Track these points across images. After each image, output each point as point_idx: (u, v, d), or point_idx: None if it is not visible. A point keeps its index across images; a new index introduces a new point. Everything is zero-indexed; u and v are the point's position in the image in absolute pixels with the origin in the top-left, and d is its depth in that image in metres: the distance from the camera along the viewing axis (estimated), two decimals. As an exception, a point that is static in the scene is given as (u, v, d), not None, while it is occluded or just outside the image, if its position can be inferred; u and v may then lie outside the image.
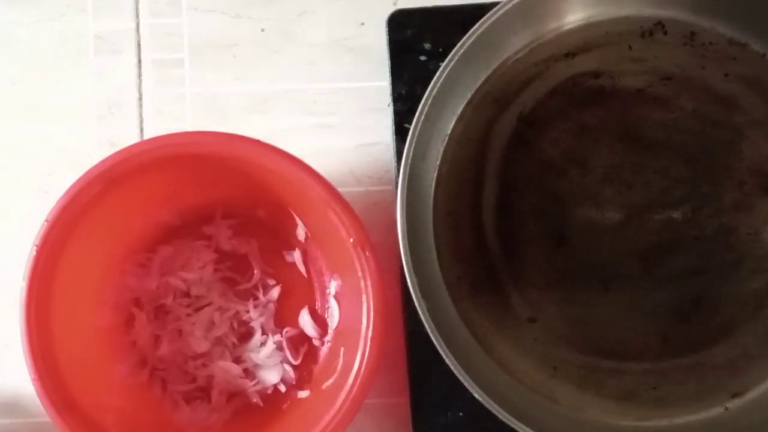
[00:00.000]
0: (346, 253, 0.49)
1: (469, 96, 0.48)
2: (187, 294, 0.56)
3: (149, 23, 0.59)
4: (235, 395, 0.55)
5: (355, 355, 0.48)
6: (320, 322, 0.55)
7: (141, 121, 0.58)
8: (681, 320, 0.52)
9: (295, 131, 0.57)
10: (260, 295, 0.56)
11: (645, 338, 0.52)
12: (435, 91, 0.46)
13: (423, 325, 0.46)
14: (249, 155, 0.48)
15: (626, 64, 0.51)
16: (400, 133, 0.55)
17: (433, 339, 0.46)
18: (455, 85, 0.47)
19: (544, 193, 0.53)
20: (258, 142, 0.48)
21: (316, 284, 0.56)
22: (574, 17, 0.48)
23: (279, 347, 0.55)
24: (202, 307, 0.55)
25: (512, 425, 0.45)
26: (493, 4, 0.45)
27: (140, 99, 0.58)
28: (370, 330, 0.48)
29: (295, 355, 0.55)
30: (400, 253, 0.46)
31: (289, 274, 0.56)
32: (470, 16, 0.46)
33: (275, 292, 0.56)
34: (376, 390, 0.54)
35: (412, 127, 0.46)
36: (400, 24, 0.56)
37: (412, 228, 0.47)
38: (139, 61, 0.59)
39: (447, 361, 0.46)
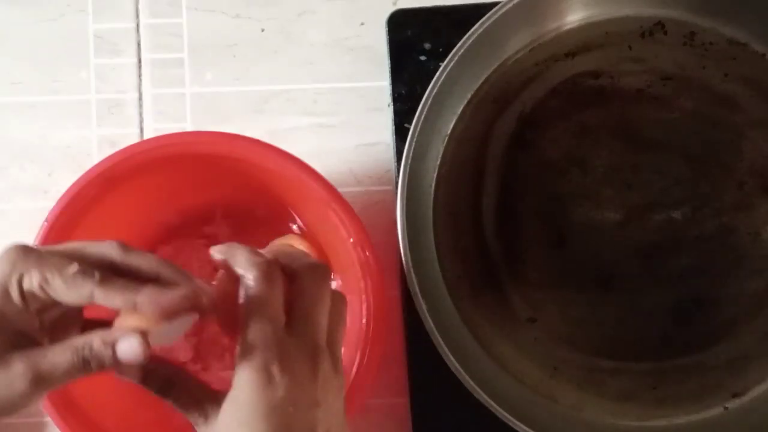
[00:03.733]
0: (346, 253, 0.49)
1: (469, 96, 0.48)
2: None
3: (149, 23, 0.59)
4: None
5: (355, 355, 0.48)
6: (320, 322, 0.55)
7: (141, 121, 0.58)
8: (681, 320, 0.52)
9: (295, 131, 0.57)
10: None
11: (645, 338, 0.52)
12: (435, 91, 0.46)
13: (423, 325, 0.46)
14: (249, 155, 0.48)
15: (626, 64, 0.51)
16: (400, 133, 0.55)
17: (433, 339, 0.46)
18: (455, 85, 0.47)
19: (544, 193, 0.53)
20: (258, 142, 0.48)
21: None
22: (574, 17, 0.48)
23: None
24: (202, 307, 0.55)
25: (512, 425, 0.46)
26: (493, 4, 0.45)
27: (140, 99, 0.58)
28: (370, 330, 0.48)
29: (295, 355, 0.55)
30: (400, 253, 0.46)
31: (289, 274, 0.56)
32: (470, 16, 0.46)
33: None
34: (376, 390, 0.54)
35: (412, 127, 0.47)
36: (400, 24, 0.56)
37: (412, 228, 0.47)
38: (139, 61, 0.59)
39: (447, 361, 0.46)
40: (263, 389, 0.33)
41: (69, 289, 0.33)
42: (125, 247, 0.35)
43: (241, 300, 0.35)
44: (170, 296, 0.34)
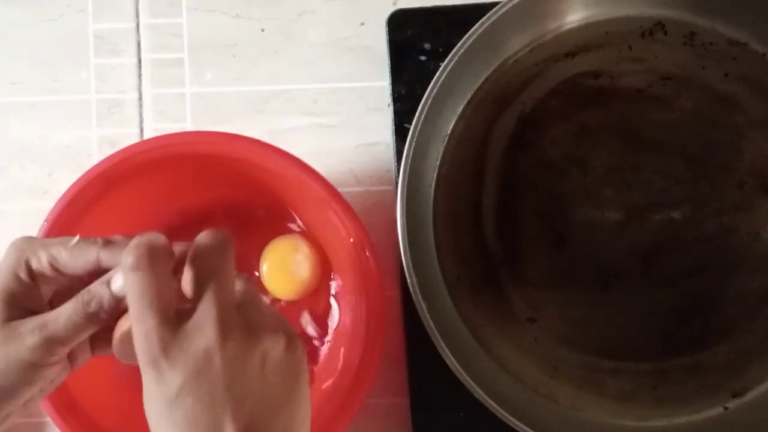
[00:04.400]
0: (346, 253, 0.49)
1: (469, 96, 0.48)
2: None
3: (149, 23, 0.59)
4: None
5: (355, 355, 0.48)
6: (320, 323, 0.55)
7: (141, 121, 0.58)
8: (681, 320, 0.52)
9: (295, 131, 0.57)
10: (262, 296, 0.56)
11: (645, 338, 0.52)
12: (435, 91, 0.46)
13: (423, 325, 0.46)
14: (249, 155, 0.48)
15: (626, 64, 0.51)
16: (400, 133, 0.55)
17: (433, 339, 0.46)
18: (455, 85, 0.47)
19: (544, 193, 0.53)
20: (258, 142, 0.48)
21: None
22: (574, 17, 0.48)
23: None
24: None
25: (512, 425, 0.46)
26: (493, 4, 0.45)
27: (140, 99, 0.58)
28: (370, 330, 0.48)
29: (296, 355, 0.55)
30: (400, 253, 0.46)
31: (289, 274, 0.56)
32: (470, 16, 0.46)
33: (275, 292, 0.56)
34: (376, 390, 0.54)
35: (412, 127, 0.46)
36: (400, 24, 0.56)
37: (412, 228, 0.47)
38: (139, 61, 0.59)
39: (447, 361, 0.46)
40: (155, 385, 0.32)
41: (76, 258, 0.36)
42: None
43: (122, 292, 0.34)
44: (164, 238, 0.35)
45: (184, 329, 0.32)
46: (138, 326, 0.32)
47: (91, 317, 0.35)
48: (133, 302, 0.32)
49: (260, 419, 0.33)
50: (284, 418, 0.34)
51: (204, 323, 0.32)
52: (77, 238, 0.36)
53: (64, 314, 0.35)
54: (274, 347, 0.34)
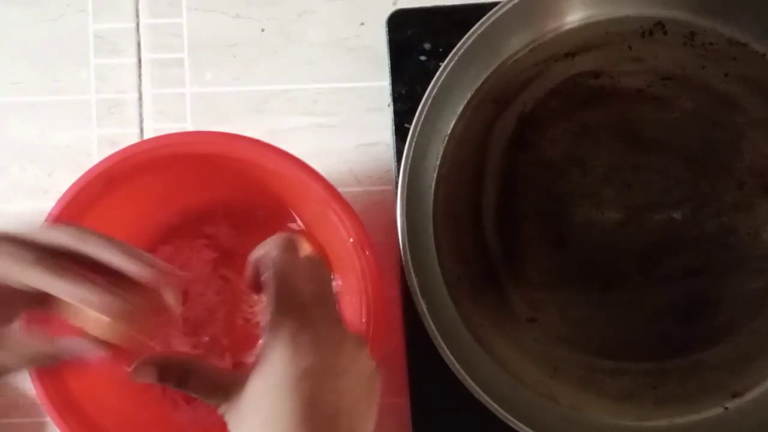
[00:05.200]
0: (346, 253, 0.49)
1: (469, 96, 0.48)
2: (186, 293, 0.56)
3: (149, 23, 0.59)
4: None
5: (355, 355, 0.48)
6: (320, 322, 0.55)
7: (141, 121, 0.58)
8: (681, 320, 0.52)
9: (295, 131, 0.57)
10: (262, 296, 0.56)
11: (645, 338, 0.52)
12: (435, 91, 0.46)
13: (423, 325, 0.46)
14: (249, 155, 0.48)
15: (626, 64, 0.51)
16: (400, 133, 0.55)
17: (433, 339, 0.46)
18: (455, 85, 0.47)
19: (544, 193, 0.53)
20: (258, 142, 0.48)
21: (316, 284, 0.56)
22: (574, 17, 0.48)
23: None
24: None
25: (512, 425, 0.46)
26: (493, 4, 0.45)
27: (140, 99, 0.58)
28: (370, 330, 0.48)
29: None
30: (400, 253, 0.46)
31: (289, 274, 0.56)
32: (470, 16, 0.46)
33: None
34: (376, 390, 0.54)
35: (412, 127, 0.47)
36: (400, 24, 0.56)
37: (412, 228, 0.47)
38: (139, 61, 0.59)
39: (447, 361, 0.46)
40: (291, 358, 0.33)
41: None
42: (82, 232, 0.33)
43: (267, 274, 0.36)
44: (102, 302, 0.32)
45: (318, 313, 0.35)
46: (285, 303, 0.34)
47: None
48: (281, 283, 0.35)
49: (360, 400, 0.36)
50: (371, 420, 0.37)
51: (331, 310, 0.36)
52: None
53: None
54: (361, 339, 0.37)
